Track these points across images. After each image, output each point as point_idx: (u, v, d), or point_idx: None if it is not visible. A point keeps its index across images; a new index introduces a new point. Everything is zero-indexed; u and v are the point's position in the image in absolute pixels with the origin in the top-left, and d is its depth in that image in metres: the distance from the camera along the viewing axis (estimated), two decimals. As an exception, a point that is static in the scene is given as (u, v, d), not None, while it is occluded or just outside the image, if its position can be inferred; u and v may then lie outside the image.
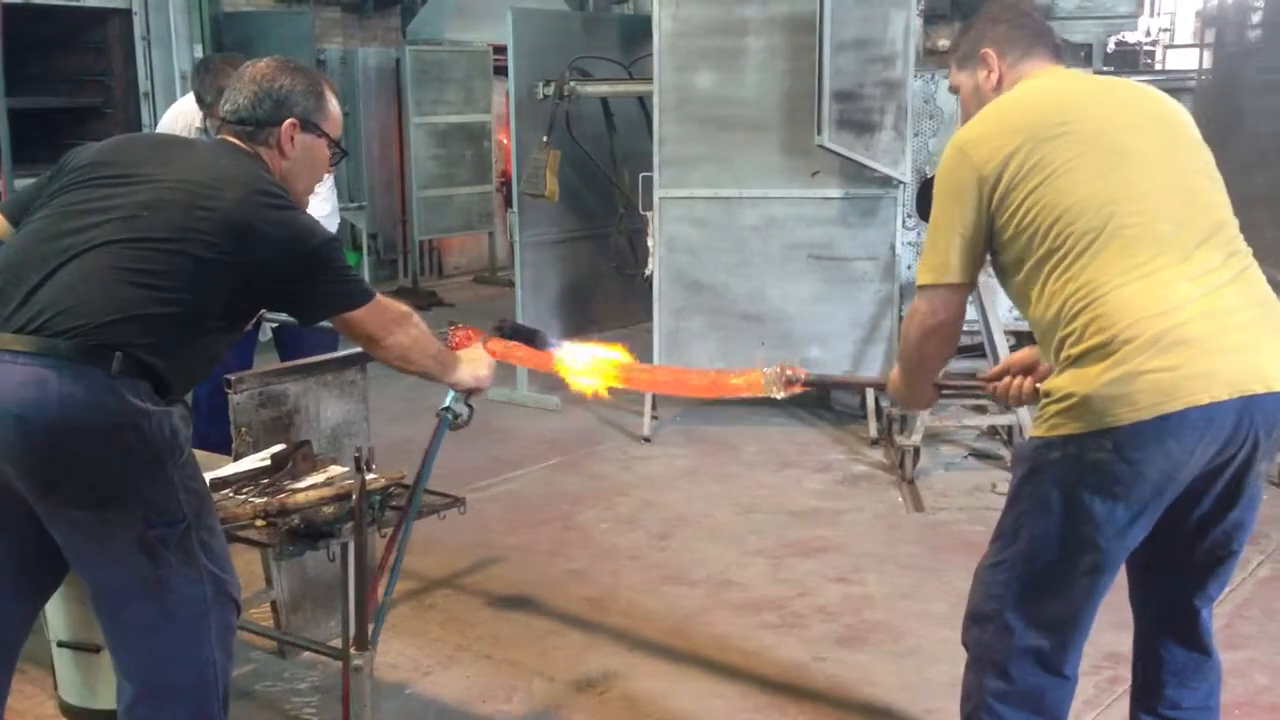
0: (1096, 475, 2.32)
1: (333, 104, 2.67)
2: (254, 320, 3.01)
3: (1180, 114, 2.59)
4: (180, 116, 4.89)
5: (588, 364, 3.11)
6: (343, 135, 2.74)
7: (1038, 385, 2.55)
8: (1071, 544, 2.38)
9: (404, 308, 2.66)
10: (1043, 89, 2.60)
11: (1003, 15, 2.73)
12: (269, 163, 2.57)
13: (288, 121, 2.57)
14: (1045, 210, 2.38)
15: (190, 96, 4.80)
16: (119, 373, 2.27)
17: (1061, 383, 2.35)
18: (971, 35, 2.75)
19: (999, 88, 2.66)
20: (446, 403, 2.91)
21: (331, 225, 4.93)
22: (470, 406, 2.91)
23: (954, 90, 2.82)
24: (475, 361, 2.88)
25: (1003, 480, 5.40)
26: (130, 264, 2.31)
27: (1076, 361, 2.32)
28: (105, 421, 2.26)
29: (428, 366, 2.72)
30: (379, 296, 2.59)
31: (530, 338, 3.11)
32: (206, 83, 4.51)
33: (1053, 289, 2.38)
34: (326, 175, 4.42)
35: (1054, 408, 2.35)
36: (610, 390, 3.16)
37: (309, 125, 2.61)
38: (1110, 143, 2.44)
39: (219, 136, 2.63)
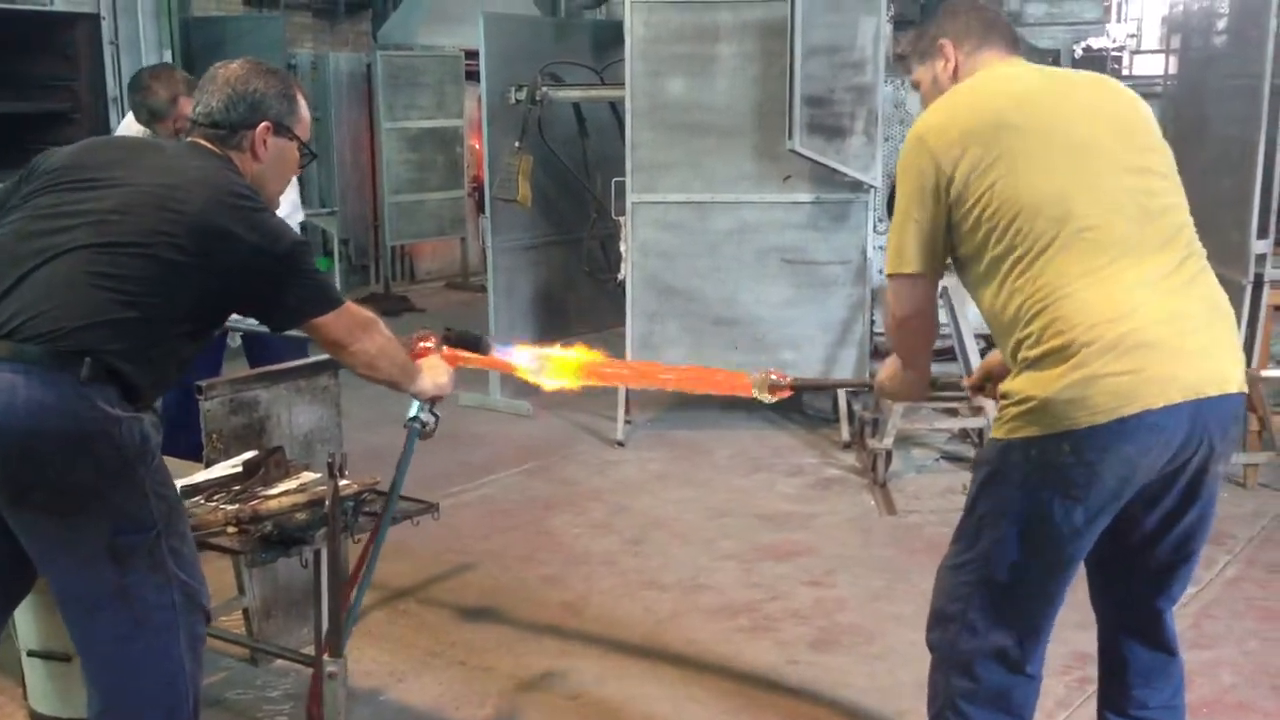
0: (1055, 477, 2.33)
1: (303, 107, 2.66)
2: (222, 326, 2.99)
3: (1142, 111, 2.57)
4: (131, 130, 4.83)
5: (547, 364, 3.13)
6: (311, 137, 2.73)
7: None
8: (1032, 545, 2.40)
9: (370, 314, 2.65)
10: (1002, 78, 2.59)
11: (958, 8, 2.75)
12: (240, 166, 2.54)
13: (262, 125, 2.55)
14: (1004, 206, 2.38)
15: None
16: (88, 378, 2.25)
17: (1020, 385, 2.36)
18: (929, 31, 2.77)
19: (956, 77, 2.66)
20: (413, 413, 2.91)
21: (294, 221, 4.88)
22: (435, 415, 2.93)
23: (916, 86, 2.83)
24: (435, 369, 2.88)
25: (974, 483, 5.43)
26: (101, 268, 2.30)
27: (1035, 364, 2.33)
28: (75, 428, 2.24)
29: (393, 375, 2.72)
30: (347, 303, 2.58)
31: (474, 344, 3.12)
32: (136, 101, 4.47)
33: (1011, 287, 2.38)
34: None
35: (1013, 410, 2.37)
36: (583, 390, 3.18)
37: (282, 128, 2.59)
38: (1069, 138, 2.44)
39: (190, 139, 2.60)
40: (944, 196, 2.46)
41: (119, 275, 2.31)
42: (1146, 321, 2.29)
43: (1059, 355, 2.29)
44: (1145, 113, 2.57)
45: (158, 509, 2.35)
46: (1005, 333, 2.43)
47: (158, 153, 2.60)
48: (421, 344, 2.95)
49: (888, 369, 2.83)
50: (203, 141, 2.56)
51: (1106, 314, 2.29)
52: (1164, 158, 2.54)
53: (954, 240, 2.50)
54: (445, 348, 3.01)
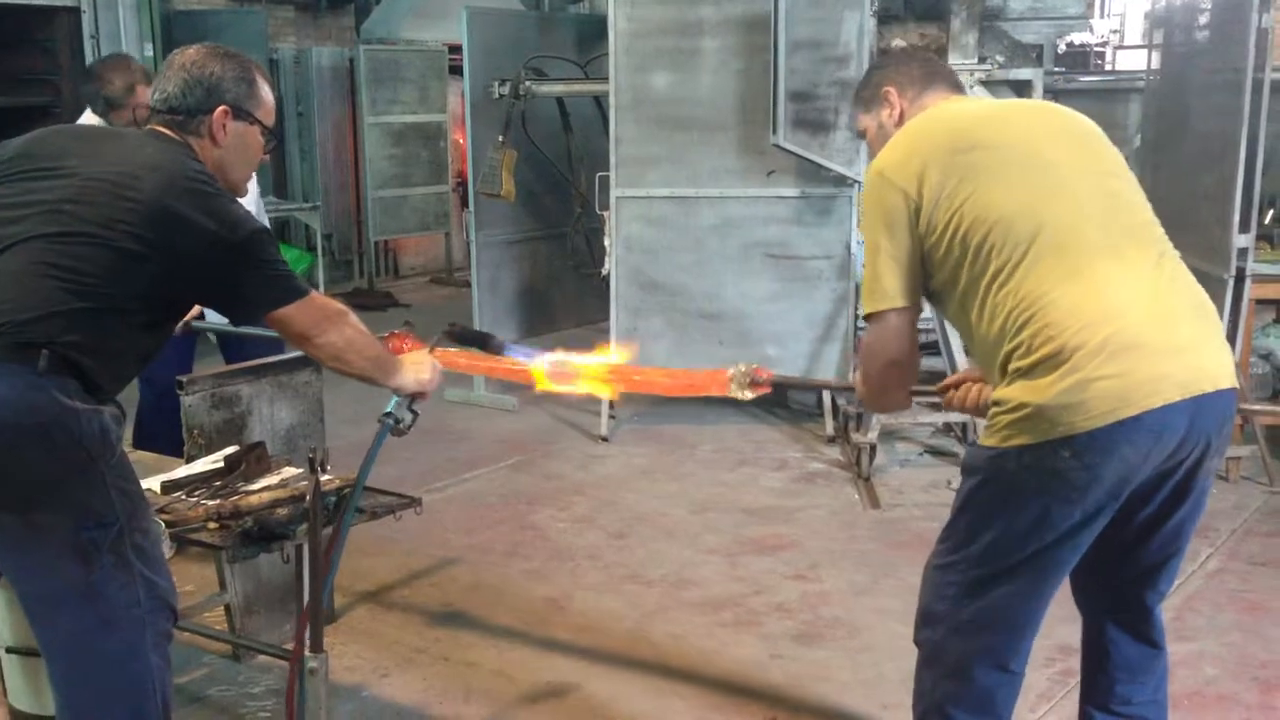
0: (1054, 482, 2.31)
1: (265, 90, 2.60)
2: (185, 318, 2.92)
3: (1088, 123, 2.61)
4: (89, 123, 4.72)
5: (552, 369, 3.09)
6: (276, 122, 2.66)
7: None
8: (1026, 548, 2.38)
9: (339, 305, 2.57)
10: (950, 110, 2.63)
11: (900, 57, 2.82)
12: (200, 152, 2.49)
13: (219, 109, 2.49)
14: (976, 223, 2.37)
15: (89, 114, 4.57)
16: (45, 371, 2.21)
17: (1013, 393, 2.33)
18: (872, 79, 2.80)
19: (900, 123, 2.68)
20: (389, 408, 2.79)
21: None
22: (414, 412, 2.81)
23: (861, 134, 2.84)
24: (419, 365, 2.76)
25: (957, 477, 5.44)
26: (55, 259, 2.26)
27: (1027, 373, 2.30)
28: (32, 421, 2.19)
29: (365, 369, 2.63)
30: (313, 294, 2.51)
31: (482, 341, 3.05)
32: (91, 92, 4.38)
33: (994, 303, 2.37)
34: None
35: (1006, 418, 2.33)
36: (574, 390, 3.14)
37: (241, 112, 2.53)
38: (1027, 153, 2.46)
39: (149, 126, 2.53)
40: (915, 226, 2.45)
41: (73, 266, 2.26)
42: (1134, 321, 2.28)
43: (1052, 361, 2.27)
44: (1092, 125, 2.61)
45: (120, 504, 2.30)
46: (994, 349, 2.39)
47: (114, 141, 2.56)
48: (398, 340, 2.90)
49: (862, 393, 2.74)
50: (162, 129, 2.49)
51: (1093, 315, 2.27)
52: (1121, 163, 2.57)
53: (928, 270, 2.48)
54: (437, 347, 2.95)
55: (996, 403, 2.38)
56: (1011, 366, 2.34)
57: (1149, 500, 2.43)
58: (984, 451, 2.42)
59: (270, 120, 2.61)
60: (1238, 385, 2.41)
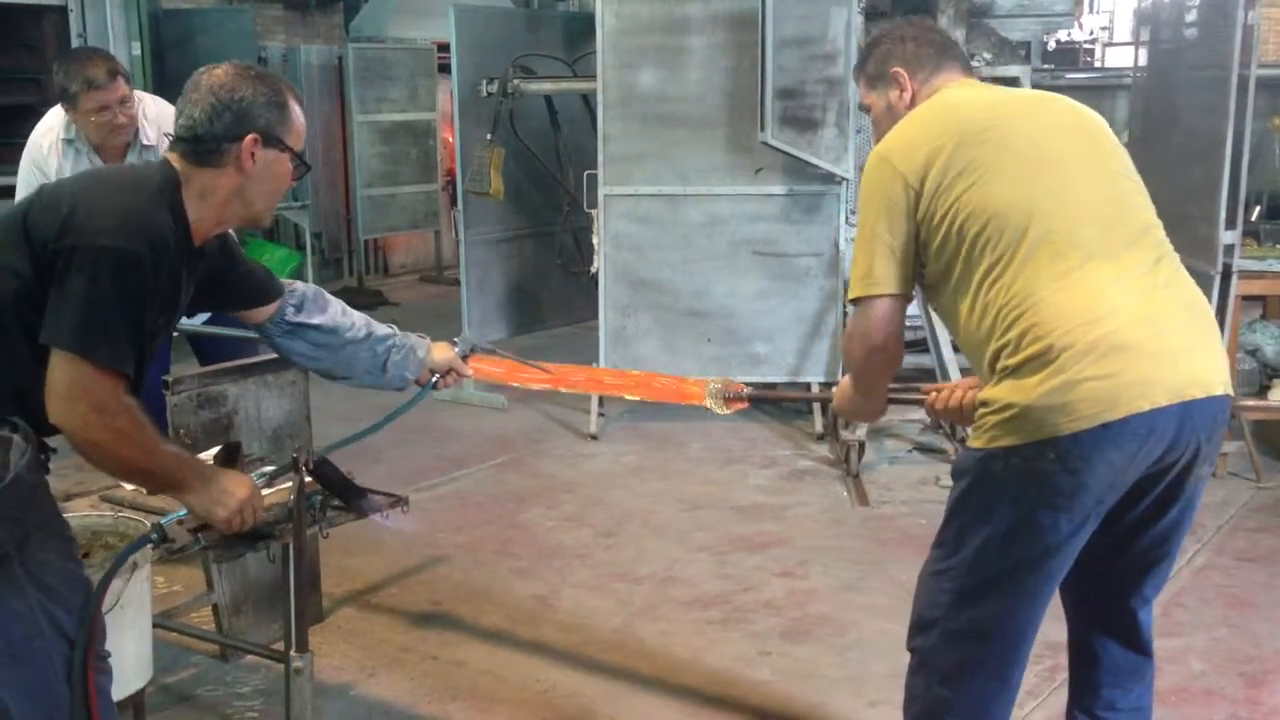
0: (1040, 486, 2.29)
1: (296, 114, 2.42)
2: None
3: (1097, 120, 2.57)
4: (42, 139, 4.37)
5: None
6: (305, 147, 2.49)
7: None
8: (1016, 554, 2.36)
9: (133, 413, 2.22)
10: (960, 98, 2.58)
11: (909, 33, 2.70)
12: (215, 182, 2.35)
13: (249, 137, 2.33)
14: (972, 217, 2.36)
15: (54, 111, 4.31)
16: None
17: (1000, 393, 2.31)
18: (878, 54, 2.71)
19: (912, 105, 2.63)
20: (165, 519, 2.45)
21: None
22: (197, 539, 2.52)
23: (865, 110, 2.78)
24: (225, 492, 2.42)
25: (946, 475, 5.45)
26: None
27: (1014, 372, 2.29)
28: None
29: (134, 480, 2.41)
30: (111, 375, 2.17)
31: (342, 491, 2.89)
32: (73, 72, 4.08)
33: (985, 300, 2.35)
34: None
35: (993, 418, 2.32)
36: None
37: (272, 139, 2.36)
38: (1032, 149, 2.43)
39: (164, 155, 2.38)
40: (913, 214, 2.43)
41: None
42: (1124, 322, 2.26)
43: (1038, 361, 2.25)
44: (1101, 122, 2.58)
45: (7, 533, 2.10)
46: (982, 345, 2.38)
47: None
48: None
49: (843, 392, 2.76)
50: (174, 159, 2.35)
51: (1083, 316, 2.25)
52: (1128, 163, 2.54)
53: (923, 260, 2.47)
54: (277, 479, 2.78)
55: (984, 403, 2.36)
56: (999, 365, 2.32)
57: (1137, 503, 2.40)
58: (972, 453, 2.40)
59: (300, 146, 2.44)
60: (1231, 392, 2.38)
